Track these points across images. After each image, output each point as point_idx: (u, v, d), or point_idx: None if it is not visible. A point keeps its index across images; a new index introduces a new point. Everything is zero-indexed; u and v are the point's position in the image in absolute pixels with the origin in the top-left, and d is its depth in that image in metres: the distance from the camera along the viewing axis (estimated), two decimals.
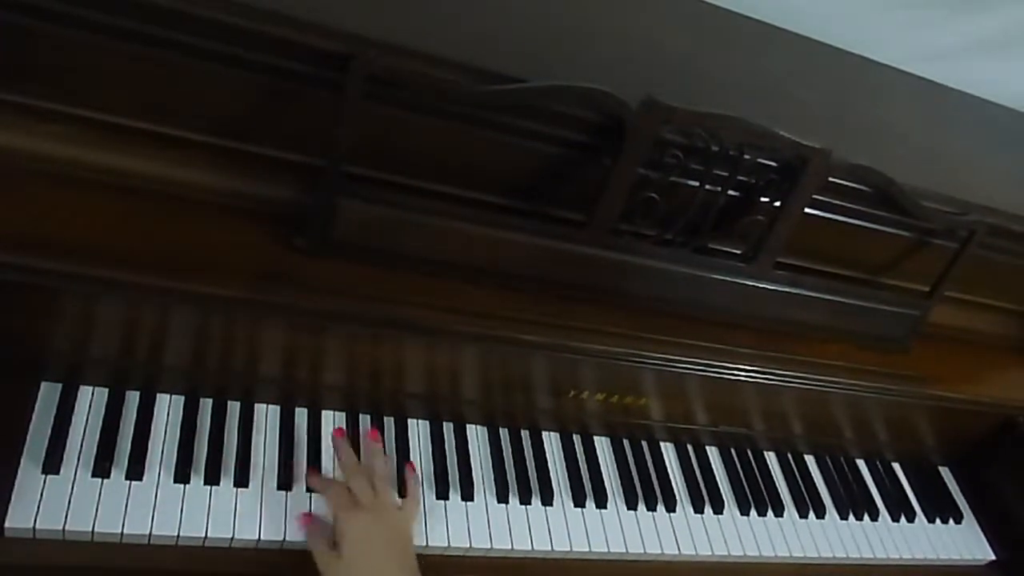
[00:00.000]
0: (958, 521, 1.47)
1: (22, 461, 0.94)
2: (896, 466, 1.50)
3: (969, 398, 1.38)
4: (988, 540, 1.47)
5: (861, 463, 1.48)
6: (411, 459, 1.13)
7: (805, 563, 1.30)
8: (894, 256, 1.29)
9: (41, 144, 0.93)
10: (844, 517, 1.37)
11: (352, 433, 1.12)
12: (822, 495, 1.38)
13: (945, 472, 1.55)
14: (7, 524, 0.90)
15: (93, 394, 1.02)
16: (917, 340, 1.33)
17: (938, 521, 1.45)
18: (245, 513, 1.00)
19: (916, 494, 1.47)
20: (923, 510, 1.45)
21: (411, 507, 1.06)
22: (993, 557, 1.45)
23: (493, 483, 1.16)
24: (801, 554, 1.29)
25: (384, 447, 1.12)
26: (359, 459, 1.07)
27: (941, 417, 1.41)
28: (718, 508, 1.28)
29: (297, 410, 1.11)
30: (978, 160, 1.51)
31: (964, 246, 1.24)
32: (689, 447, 1.34)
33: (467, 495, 1.13)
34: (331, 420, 1.13)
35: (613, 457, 1.27)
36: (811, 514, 1.34)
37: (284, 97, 0.95)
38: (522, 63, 1.00)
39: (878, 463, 1.49)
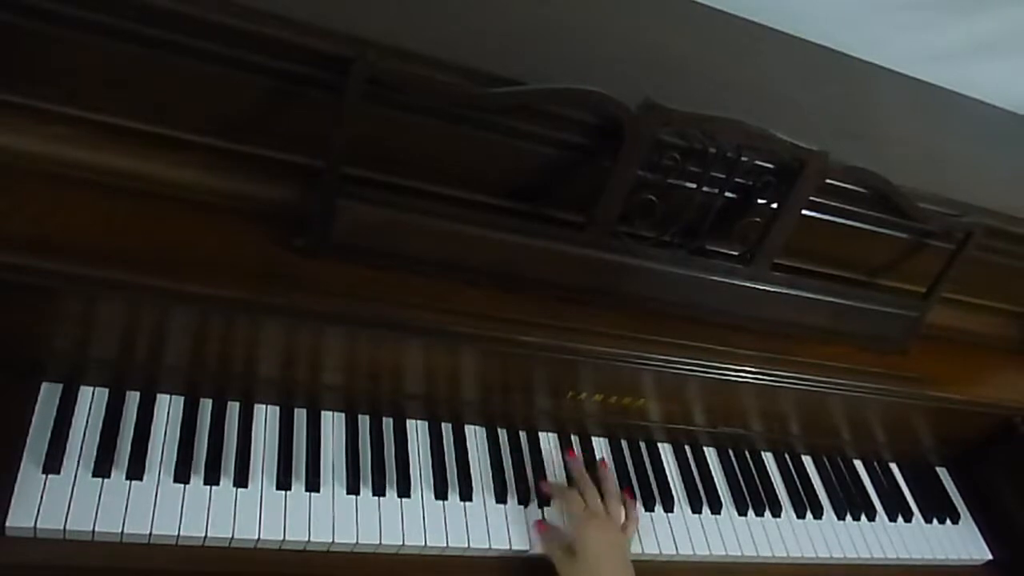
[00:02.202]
0: (955, 521, 1.48)
1: (23, 461, 0.94)
2: (893, 467, 1.51)
3: (966, 399, 1.38)
4: (985, 540, 1.47)
5: (858, 464, 1.48)
6: (409, 459, 1.14)
7: (802, 563, 1.30)
8: (892, 257, 1.30)
9: (42, 145, 0.93)
10: (841, 517, 1.37)
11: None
12: (819, 495, 1.38)
13: (942, 472, 1.55)
14: (8, 524, 0.90)
15: (93, 394, 1.03)
16: (915, 341, 1.34)
17: (935, 521, 1.46)
18: (245, 513, 1.01)
19: (913, 494, 1.48)
20: (920, 510, 1.45)
21: (631, 527, 1.17)
22: (990, 557, 1.46)
23: (492, 484, 1.16)
24: (799, 554, 1.29)
25: (388, 449, 1.13)
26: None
27: (938, 418, 1.42)
28: (716, 508, 1.28)
29: (296, 410, 1.12)
30: (976, 162, 1.51)
31: (961, 247, 1.25)
32: (687, 448, 1.35)
33: (466, 496, 1.14)
34: (330, 420, 1.13)
35: (611, 458, 1.28)
36: (808, 514, 1.35)
37: (284, 99, 0.95)
38: (521, 66, 1.01)
39: (875, 464, 1.49)
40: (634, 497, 1.23)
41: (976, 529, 1.48)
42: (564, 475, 1.22)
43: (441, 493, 1.12)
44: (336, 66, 0.90)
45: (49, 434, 0.97)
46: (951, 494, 1.52)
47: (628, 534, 1.15)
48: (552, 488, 1.18)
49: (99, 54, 0.88)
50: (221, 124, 0.97)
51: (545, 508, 1.17)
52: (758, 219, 1.13)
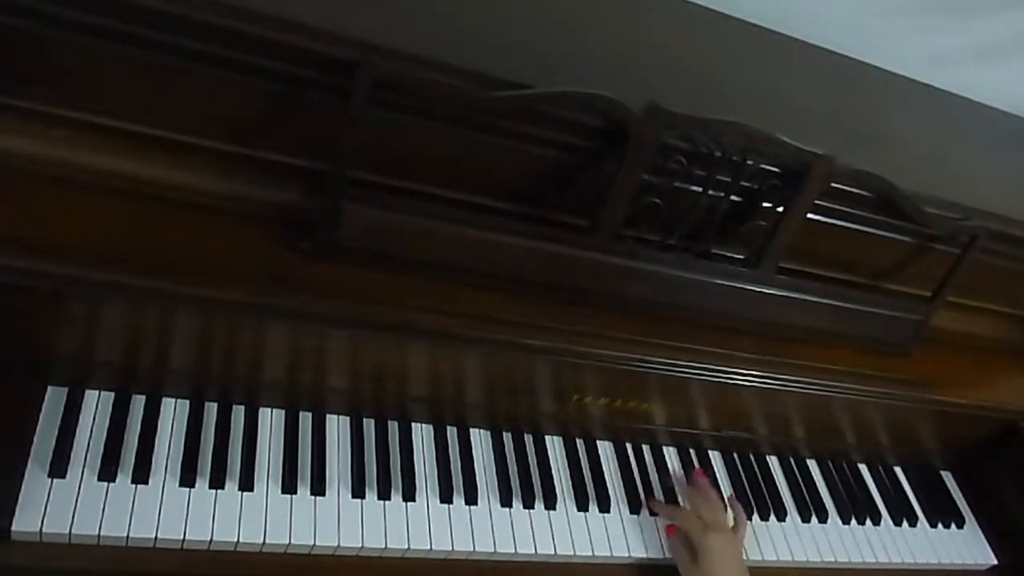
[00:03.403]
0: (960, 526, 1.47)
1: (28, 465, 0.94)
2: (898, 470, 1.51)
3: (971, 403, 1.38)
4: (990, 544, 1.47)
5: (863, 467, 1.48)
6: (414, 463, 1.14)
7: (807, 567, 1.30)
8: (896, 261, 1.30)
9: (47, 148, 0.93)
10: (846, 521, 1.37)
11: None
12: (824, 499, 1.38)
13: (947, 476, 1.55)
14: (14, 528, 0.90)
15: (99, 398, 1.03)
16: (919, 345, 1.33)
17: (940, 525, 1.45)
18: (250, 517, 1.01)
19: (918, 498, 1.47)
20: (925, 514, 1.45)
21: (742, 530, 1.22)
22: (995, 562, 1.45)
23: (497, 487, 1.16)
24: (803, 558, 1.29)
25: (393, 453, 1.13)
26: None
27: (943, 422, 1.42)
28: None
29: (301, 414, 1.12)
30: (980, 165, 1.51)
31: (966, 251, 1.25)
32: (692, 451, 1.35)
33: (471, 499, 1.13)
34: (335, 424, 1.13)
35: (616, 461, 1.28)
36: (813, 518, 1.35)
37: (290, 102, 0.95)
38: (527, 68, 1.01)
39: (880, 467, 1.49)
40: (738, 501, 1.28)
41: (981, 533, 1.48)
42: (568, 479, 1.22)
43: (446, 497, 1.12)
44: (341, 69, 0.90)
45: (55, 438, 0.97)
46: (956, 498, 1.52)
47: (740, 537, 1.21)
48: (659, 507, 1.23)
49: (104, 57, 0.88)
50: (225, 127, 0.97)
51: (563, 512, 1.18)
52: (763, 222, 1.13)
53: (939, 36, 1.65)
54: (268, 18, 0.88)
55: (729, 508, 1.24)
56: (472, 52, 1.02)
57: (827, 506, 1.37)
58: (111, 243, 0.92)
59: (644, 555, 1.18)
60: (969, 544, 1.46)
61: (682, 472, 1.31)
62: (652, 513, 1.24)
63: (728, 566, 1.13)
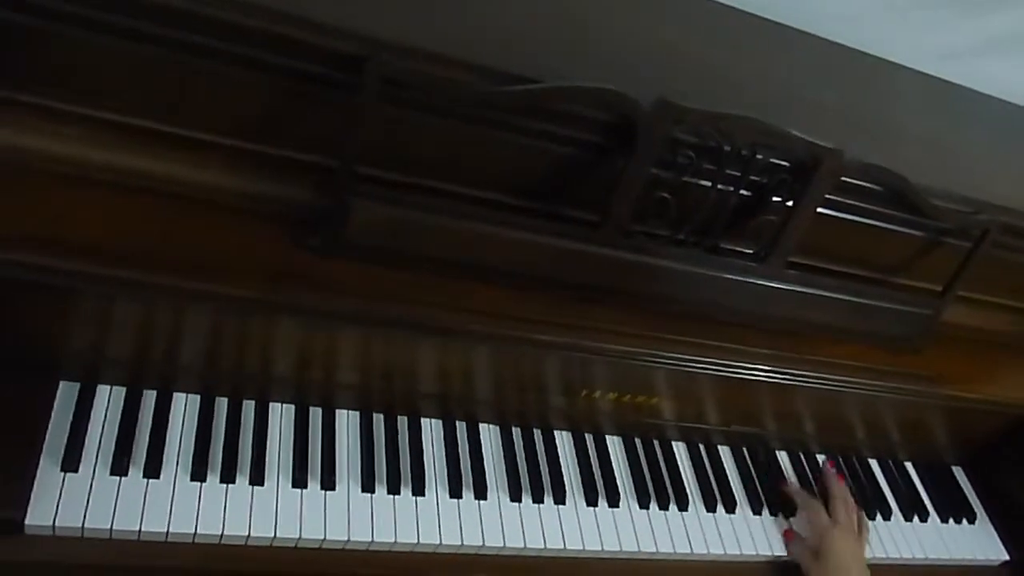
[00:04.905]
0: (971, 521, 1.47)
1: (41, 459, 0.95)
2: (909, 466, 1.50)
3: (982, 398, 1.37)
4: (1002, 540, 1.46)
5: (874, 463, 1.48)
6: (424, 458, 1.14)
7: None
8: (907, 256, 1.29)
9: (58, 145, 0.93)
10: None
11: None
12: None
13: (958, 472, 1.54)
14: (27, 522, 0.91)
15: (111, 393, 1.03)
16: (930, 340, 1.33)
17: (951, 521, 1.45)
18: (260, 511, 1.01)
19: (929, 494, 1.47)
20: (936, 510, 1.45)
21: (865, 534, 1.29)
22: (1007, 557, 1.45)
23: (506, 482, 1.17)
24: None
25: (402, 448, 1.14)
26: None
27: (954, 417, 1.41)
28: (730, 507, 1.28)
29: (311, 409, 1.12)
30: (992, 159, 1.50)
31: (977, 245, 1.24)
32: (701, 446, 1.34)
33: (480, 494, 1.14)
34: (345, 419, 1.13)
35: (625, 456, 1.28)
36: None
37: (298, 98, 0.95)
38: (535, 64, 1.00)
39: (891, 463, 1.49)
40: (861, 507, 1.33)
41: (992, 529, 1.48)
42: (577, 473, 1.22)
43: (455, 492, 1.13)
44: (350, 66, 0.90)
45: (67, 432, 0.98)
46: (967, 494, 1.51)
47: (864, 541, 1.26)
48: (796, 495, 1.30)
49: (115, 54, 0.89)
50: (235, 124, 0.97)
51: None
52: (773, 217, 1.13)
53: (950, 30, 1.64)
54: (276, 14, 0.88)
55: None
56: (480, 48, 1.02)
57: None
58: (122, 240, 0.93)
59: (653, 549, 1.18)
60: (980, 540, 1.45)
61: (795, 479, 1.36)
62: (784, 496, 1.31)
63: (853, 567, 1.17)
